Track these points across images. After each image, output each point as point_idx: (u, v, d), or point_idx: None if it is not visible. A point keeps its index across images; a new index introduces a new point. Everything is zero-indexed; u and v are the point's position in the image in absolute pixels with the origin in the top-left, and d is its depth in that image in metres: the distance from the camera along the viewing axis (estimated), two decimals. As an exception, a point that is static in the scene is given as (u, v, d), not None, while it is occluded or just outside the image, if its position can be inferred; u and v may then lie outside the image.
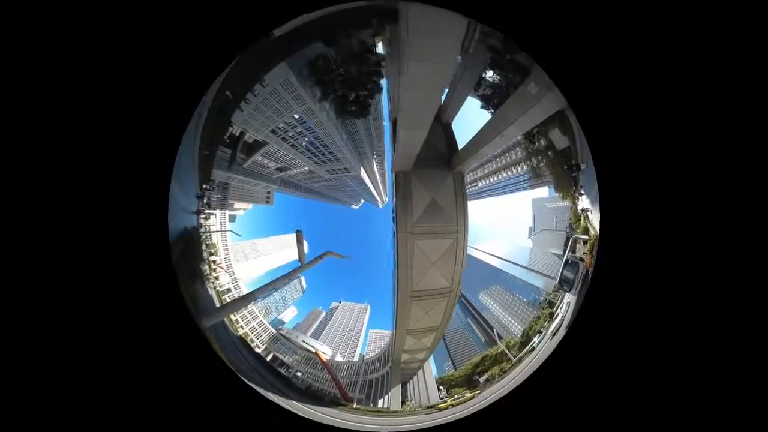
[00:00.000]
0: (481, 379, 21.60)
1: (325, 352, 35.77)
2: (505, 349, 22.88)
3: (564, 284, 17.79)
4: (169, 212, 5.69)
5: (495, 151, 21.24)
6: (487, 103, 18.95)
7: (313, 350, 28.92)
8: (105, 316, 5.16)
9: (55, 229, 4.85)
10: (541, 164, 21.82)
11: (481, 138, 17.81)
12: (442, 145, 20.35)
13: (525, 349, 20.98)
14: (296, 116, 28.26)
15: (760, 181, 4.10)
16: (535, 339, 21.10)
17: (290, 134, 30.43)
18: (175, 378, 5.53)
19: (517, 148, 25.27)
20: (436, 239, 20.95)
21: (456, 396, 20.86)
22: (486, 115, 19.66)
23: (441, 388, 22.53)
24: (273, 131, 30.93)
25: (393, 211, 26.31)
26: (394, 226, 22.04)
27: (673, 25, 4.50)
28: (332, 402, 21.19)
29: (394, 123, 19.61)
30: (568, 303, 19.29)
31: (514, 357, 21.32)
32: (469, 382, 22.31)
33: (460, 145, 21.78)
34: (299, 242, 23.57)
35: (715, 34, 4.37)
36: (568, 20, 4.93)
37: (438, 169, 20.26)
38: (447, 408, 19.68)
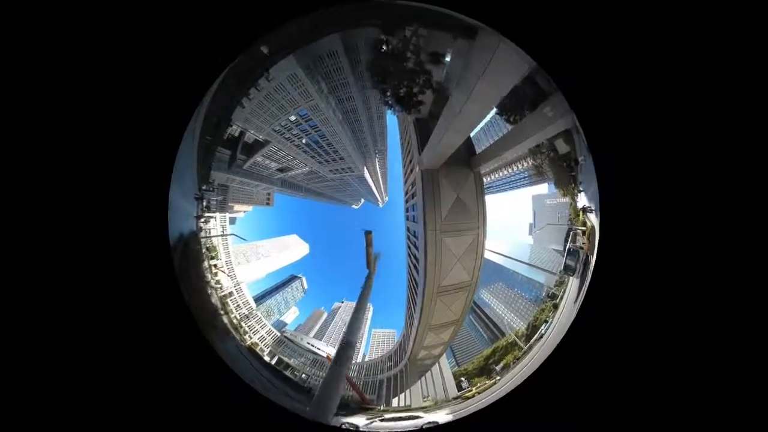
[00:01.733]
0: (498, 368, 21.14)
1: (331, 353, 33.37)
2: (516, 338, 22.48)
3: (568, 270, 18.02)
4: (170, 212, 5.45)
5: (513, 157, 21.26)
6: (504, 112, 18.80)
7: (324, 355, 26.48)
8: (104, 316, 4.95)
9: (55, 230, 4.64)
10: (544, 164, 21.52)
11: (502, 144, 17.90)
12: (463, 147, 19.21)
13: (534, 337, 20.49)
14: (302, 113, 25.72)
15: (749, 176, 4.23)
16: (542, 328, 20.62)
17: (294, 132, 27.81)
18: (180, 384, 5.29)
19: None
20: (461, 236, 20.48)
21: (479, 384, 20.34)
22: (499, 121, 19.30)
23: (462, 379, 21.77)
24: (276, 130, 28.26)
25: (409, 210, 24.44)
26: (420, 225, 20.86)
27: (673, 25, 4.47)
28: (357, 407, 19.99)
29: (417, 122, 19.52)
30: (571, 291, 18.71)
31: (525, 345, 20.95)
32: (485, 371, 21.72)
33: (475, 147, 21.52)
34: (369, 245, 20.57)
35: (713, 33, 4.33)
36: (568, 20, 4.83)
37: (459, 169, 19.88)
38: (473, 396, 18.97)
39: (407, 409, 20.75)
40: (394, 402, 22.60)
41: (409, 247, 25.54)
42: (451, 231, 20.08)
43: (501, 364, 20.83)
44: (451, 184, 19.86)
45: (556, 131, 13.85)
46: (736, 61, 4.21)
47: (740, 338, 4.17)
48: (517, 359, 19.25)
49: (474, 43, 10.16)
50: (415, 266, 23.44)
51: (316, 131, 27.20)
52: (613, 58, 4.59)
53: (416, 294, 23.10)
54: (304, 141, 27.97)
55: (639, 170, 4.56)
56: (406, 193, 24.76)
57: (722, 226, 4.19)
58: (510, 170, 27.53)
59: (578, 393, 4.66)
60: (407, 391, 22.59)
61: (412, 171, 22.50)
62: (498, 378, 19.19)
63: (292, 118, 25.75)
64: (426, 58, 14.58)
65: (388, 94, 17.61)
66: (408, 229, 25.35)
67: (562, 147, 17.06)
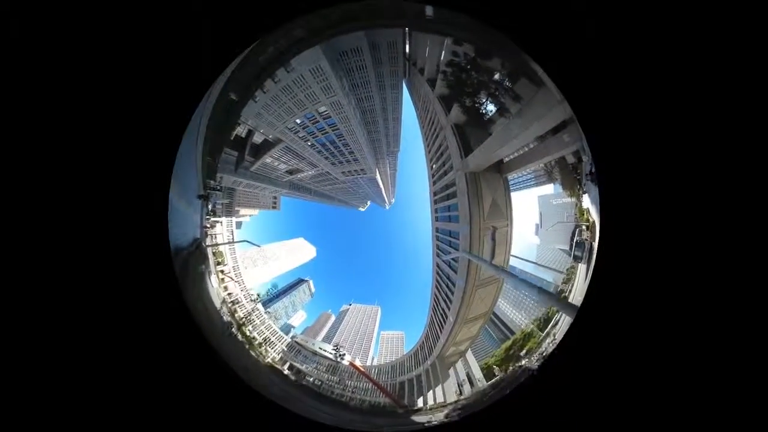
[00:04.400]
0: (522, 353, 21.60)
1: (355, 361, 29.80)
2: (535, 328, 23.13)
3: (577, 259, 19.13)
4: (170, 215, 4.97)
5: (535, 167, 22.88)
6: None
7: (346, 362, 23.04)
8: (103, 318, 4.55)
9: (55, 229, 4.43)
10: (554, 170, 22.23)
11: (526, 158, 19.79)
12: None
13: (549, 325, 21.00)
14: (321, 110, 22.26)
15: (744, 174, 4.13)
16: (556, 316, 20.76)
17: (310, 130, 24.25)
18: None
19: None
20: (498, 232, 20.59)
21: (512, 368, 20.70)
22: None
23: (494, 367, 21.97)
24: (290, 127, 24.61)
25: (440, 211, 21.98)
26: (466, 224, 20.43)
27: (672, 25, 4.23)
28: (394, 412, 18.77)
29: (454, 127, 20.32)
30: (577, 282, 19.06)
31: (542, 332, 21.55)
32: (509, 359, 22.09)
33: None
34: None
35: (713, 33, 4.12)
36: (568, 20, 4.57)
37: (492, 173, 21.17)
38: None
39: (444, 405, 19.84)
40: (428, 399, 21.30)
41: (438, 248, 22.88)
42: (490, 228, 20.38)
43: (524, 350, 21.21)
44: (488, 186, 20.88)
45: (570, 151, 15.93)
46: (735, 60, 4.11)
47: (736, 317, 4.13)
48: (539, 343, 19.89)
49: (539, 92, 12.04)
50: (448, 264, 22.64)
51: (333, 130, 23.77)
52: (613, 58, 4.49)
53: (450, 291, 22.54)
54: (319, 140, 24.40)
55: (638, 168, 4.51)
56: (435, 194, 22.20)
57: (713, 219, 4.24)
58: (520, 172, 26.38)
59: (591, 368, 4.66)
60: (439, 387, 21.63)
61: (446, 173, 22.01)
62: (526, 360, 19.44)
63: (310, 114, 22.20)
64: (506, 94, 16.55)
65: (461, 102, 18.68)
66: (437, 230, 22.66)
67: (571, 159, 17.99)
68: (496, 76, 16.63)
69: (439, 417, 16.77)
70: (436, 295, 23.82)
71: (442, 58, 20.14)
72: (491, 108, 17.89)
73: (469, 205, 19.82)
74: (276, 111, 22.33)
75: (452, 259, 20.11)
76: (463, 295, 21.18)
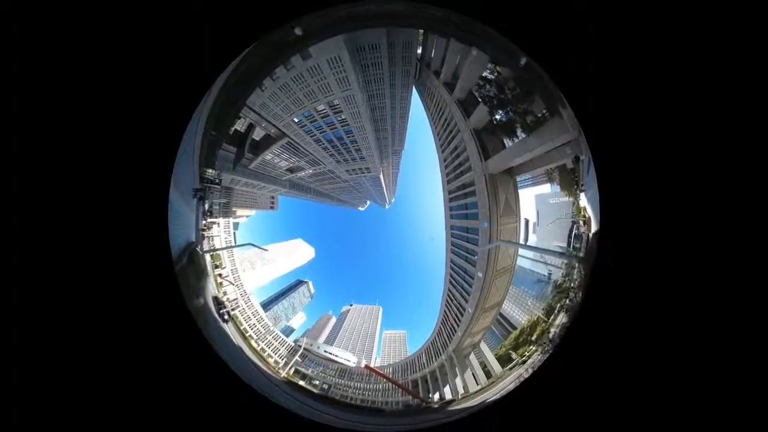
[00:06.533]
0: (532, 338, 21.72)
1: (348, 359, 27.85)
2: (541, 315, 23.47)
3: (575, 249, 19.40)
4: (170, 215, 4.81)
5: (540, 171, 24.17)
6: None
7: (354, 363, 21.57)
8: (102, 318, 4.40)
9: (55, 229, 4.31)
10: (554, 172, 23.50)
11: (535, 163, 20.95)
12: (505, 161, 22.39)
13: (554, 312, 21.29)
14: (332, 104, 20.42)
15: (741, 173, 4.14)
16: (560, 304, 21.19)
17: (317, 125, 22.25)
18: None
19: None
20: (509, 228, 21.76)
21: (525, 353, 20.93)
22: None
23: (511, 352, 21.96)
24: (296, 120, 22.45)
25: (455, 209, 21.57)
26: (485, 221, 21.85)
27: (672, 25, 4.18)
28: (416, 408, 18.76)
29: (473, 132, 21.57)
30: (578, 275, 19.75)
31: (548, 319, 21.83)
32: (520, 345, 22.14)
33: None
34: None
35: (713, 33, 4.05)
36: (568, 20, 4.50)
37: (504, 176, 22.28)
38: (529, 359, 19.39)
39: (466, 395, 19.85)
40: (447, 392, 21.48)
41: (452, 243, 22.22)
42: (504, 223, 21.44)
43: (535, 335, 21.43)
44: (502, 187, 21.87)
45: (571, 158, 17.41)
46: (735, 61, 3.96)
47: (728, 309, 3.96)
48: (547, 328, 20.30)
49: (556, 116, 13.49)
50: (466, 258, 23.03)
51: (343, 126, 22.00)
52: (613, 58, 4.35)
53: (468, 284, 23.05)
54: (326, 136, 22.55)
55: (638, 168, 4.35)
56: (451, 192, 21.79)
57: (710, 218, 4.13)
58: (526, 175, 27.06)
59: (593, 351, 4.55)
60: (458, 379, 21.93)
61: (462, 173, 22.92)
62: (537, 344, 19.79)
63: (321, 107, 20.31)
64: (528, 113, 17.56)
65: (491, 112, 20.16)
66: (452, 227, 21.98)
67: (570, 164, 19.12)
68: (519, 95, 17.74)
69: (469, 405, 16.57)
70: (450, 290, 23.69)
71: (457, 63, 20.73)
72: (513, 122, 18.95)
73: (489, 203, 21.08)
74: (284, 101, 20.21)
75: (469, 253, 20.55)
76: (483, 286, 21.82)
